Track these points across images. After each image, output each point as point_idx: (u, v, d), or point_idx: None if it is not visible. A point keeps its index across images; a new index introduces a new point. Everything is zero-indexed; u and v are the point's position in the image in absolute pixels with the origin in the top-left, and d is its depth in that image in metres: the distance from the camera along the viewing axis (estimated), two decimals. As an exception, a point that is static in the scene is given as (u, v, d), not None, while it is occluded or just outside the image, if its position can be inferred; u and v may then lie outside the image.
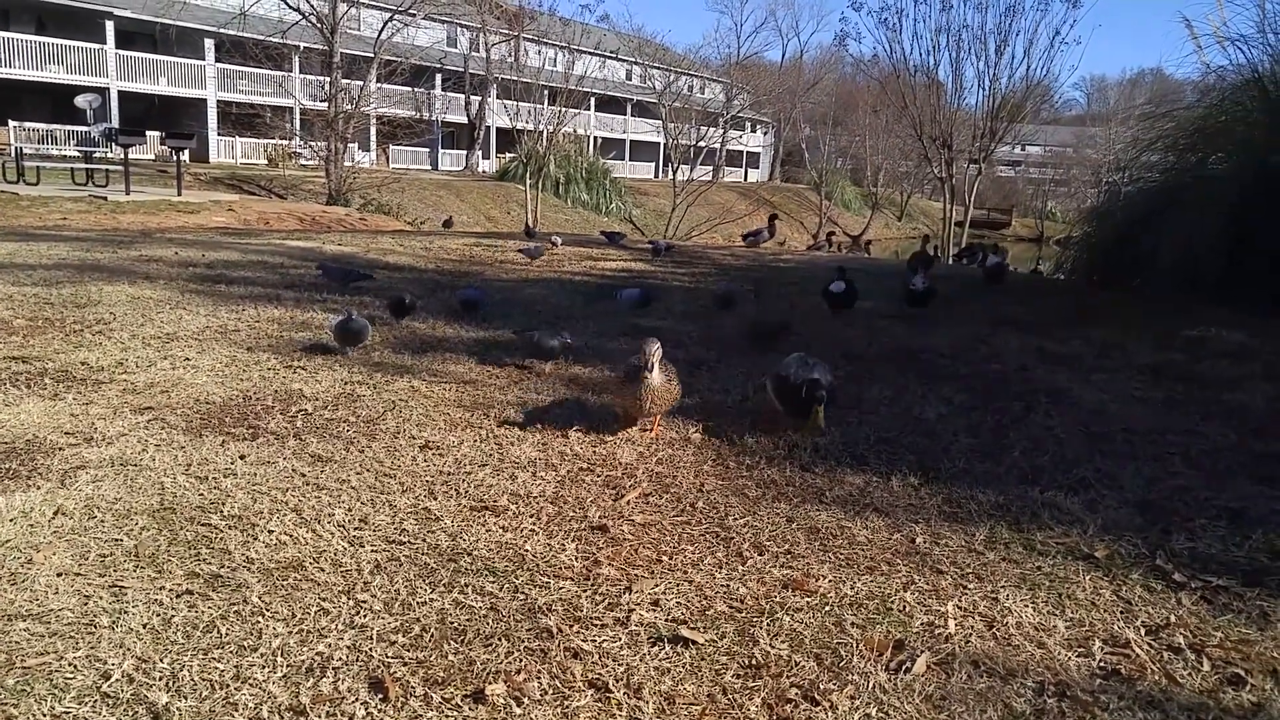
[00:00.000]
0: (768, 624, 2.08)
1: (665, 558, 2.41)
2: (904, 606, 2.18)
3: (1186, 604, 2.22)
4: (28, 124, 25.00)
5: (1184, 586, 2.30)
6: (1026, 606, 2.19)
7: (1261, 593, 2.27)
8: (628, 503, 2.78)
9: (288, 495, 2.70)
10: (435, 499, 2.75)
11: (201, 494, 2.66)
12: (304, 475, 2.87)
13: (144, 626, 1.96)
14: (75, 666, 1.81)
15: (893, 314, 6.49)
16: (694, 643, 1.98)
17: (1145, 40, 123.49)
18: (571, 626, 2.04)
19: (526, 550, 2.41)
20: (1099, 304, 7.37)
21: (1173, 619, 2.14)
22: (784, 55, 63.15)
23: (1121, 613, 2.17)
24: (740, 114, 43.94)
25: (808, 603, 2.19)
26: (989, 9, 21.43)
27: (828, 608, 2.17)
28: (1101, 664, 1.96)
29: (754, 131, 52.95)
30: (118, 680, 1.76)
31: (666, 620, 2.09)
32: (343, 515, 2.59)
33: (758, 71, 54.55)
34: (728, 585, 2.27)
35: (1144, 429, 3.71)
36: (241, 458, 2.98)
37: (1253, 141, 7.70)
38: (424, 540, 2.46)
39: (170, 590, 2.11)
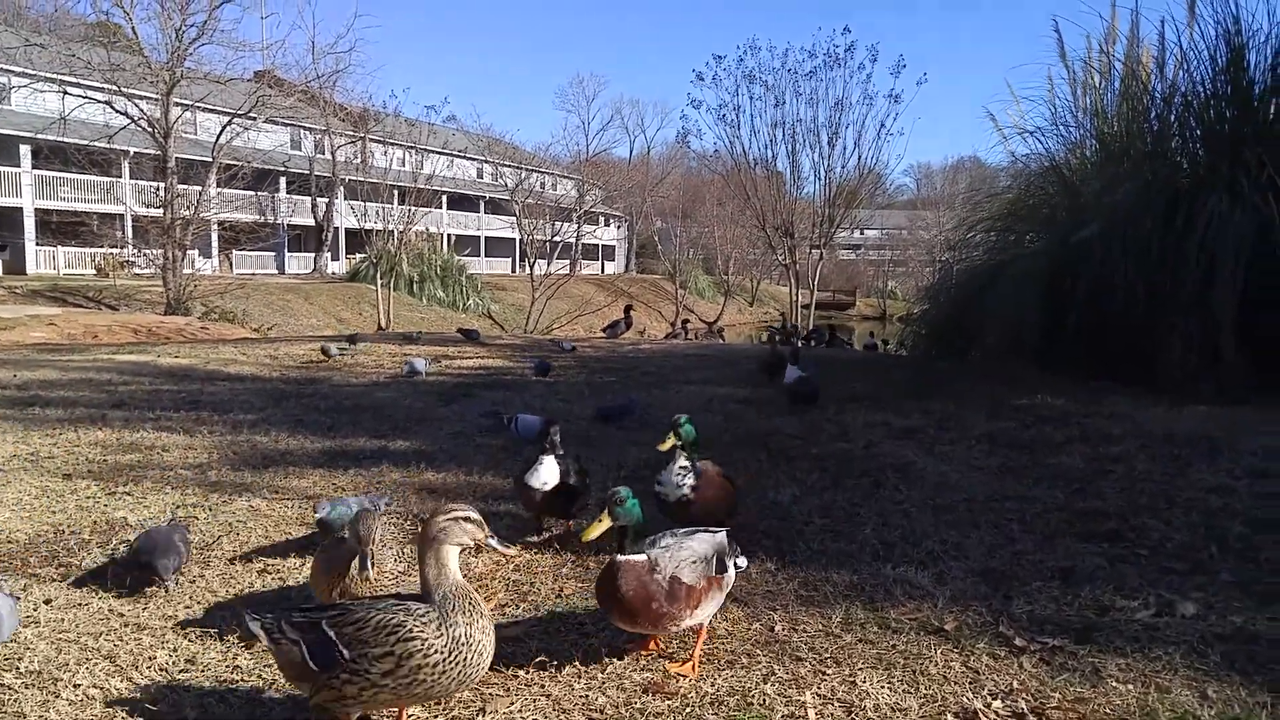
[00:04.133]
0: (629, 733, 2.01)
1: (522, 671, 2.31)
2: (764, 700, 2.16)
3: (1028, 667, 2.30)
4: None
5: (1024, 650, 2.39)
6: (883, 687, 2.21)
7: (1092, 649, 2.38)
8: (482, 615, 2.67)
9: (100, 641, 2.45)
10: (273, 629, 2.55)
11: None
12: (122, 616, 2.62)
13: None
14: None
15: (744, 399, 6.66)
16: (552, 763, 1.89)
17: (961, 131, 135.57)
18: (420, 759, 1.90)
19: (372, 678, 2.26)
20: (938, 376, 7.80)
21: (1015, 684, 2.21)
22: (631, 151, 65.50)
23: (970, 683, 2.23)
24: (593, 209, 45.04)
25: (669, 705, 2.13)
26: (820, 104, 22.91)
27: (689, 709, 2.12)
28: (955, 739, 1.98)
29: (608, 225, 54.36)
30: None
31: (523, 741, 1.98)
32: (166, 657, 2.37)
33: (607, 168, 56.18)
34: (586, 695, 2.19)
35: (984, 497, 3.90)
36: (46, 602, 2.68)
37: (1056, 220, 8.49)
38: (258, 675, 2.27)
39: (-51, 769, 1.85)
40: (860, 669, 2.31)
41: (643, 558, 2.27)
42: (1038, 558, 3.11)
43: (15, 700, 2.12)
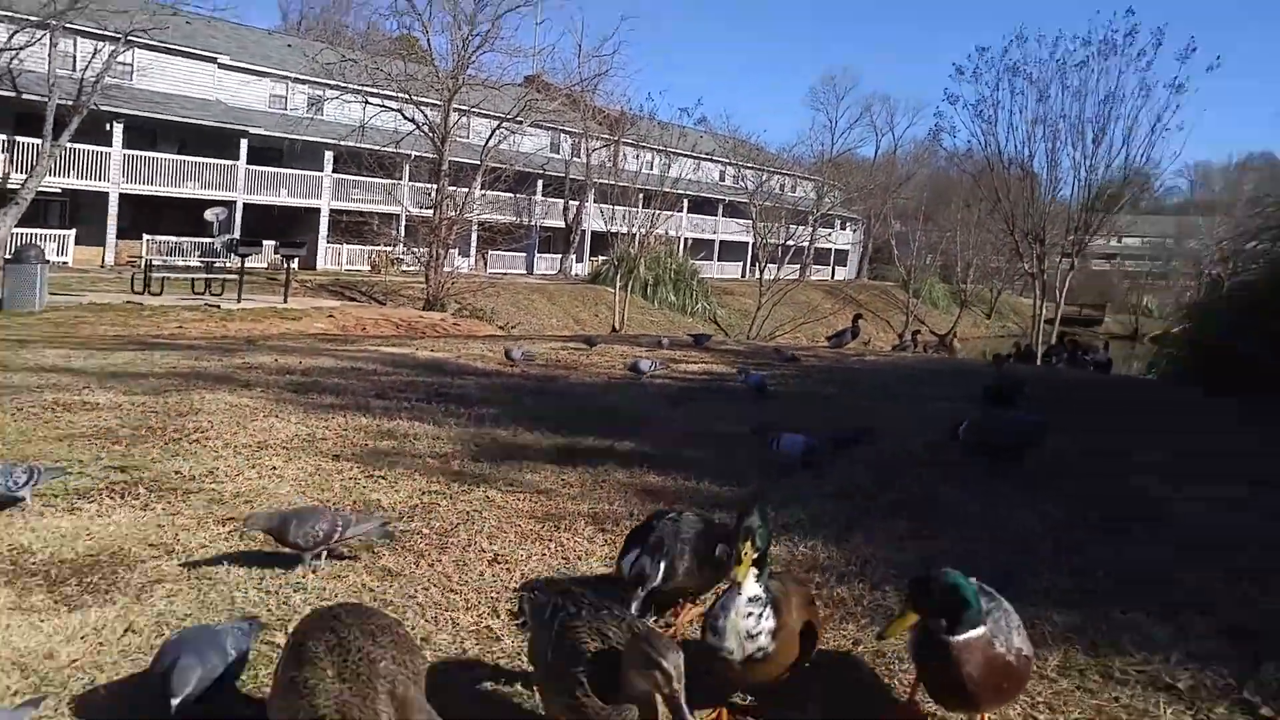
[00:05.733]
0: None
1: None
2: (964, 742, 2.09)
3: (1278, 746, 2.06)
4: (159, 237, 27.07)
5: (1274, 724, 2.14)
6: (1100, 745, 2.07)
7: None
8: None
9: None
10: (498, 617, 2.77)
11: (269, 609, 2.74)
12: (372, 590, 2.95)
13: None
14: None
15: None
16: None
17: (1256, 124, 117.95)
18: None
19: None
20: (1200, 407, 7.02)
21: (1261, 764, 1.99)
22: (877, 150, 63.43)
23: (1204, 755, 2.03)
24: (830, 211, 44.22)
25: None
26: (1088, 97, 21.26)
27: (882, 741, 2.09)
28: (1179, 815, 1.82)
29: (843, 228, 53.11)
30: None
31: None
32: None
33: (850, 168, 54.73)
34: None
35: (1247, 543, 3.50)
36: (313, 572, 3.07)
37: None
38: (484, 658, 2.49)
39: (236, 716, 2.19)
40: (1076, 719, 2.17)
41: (982, 631, 1.89)
42: (1304, 621, 2.75)
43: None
